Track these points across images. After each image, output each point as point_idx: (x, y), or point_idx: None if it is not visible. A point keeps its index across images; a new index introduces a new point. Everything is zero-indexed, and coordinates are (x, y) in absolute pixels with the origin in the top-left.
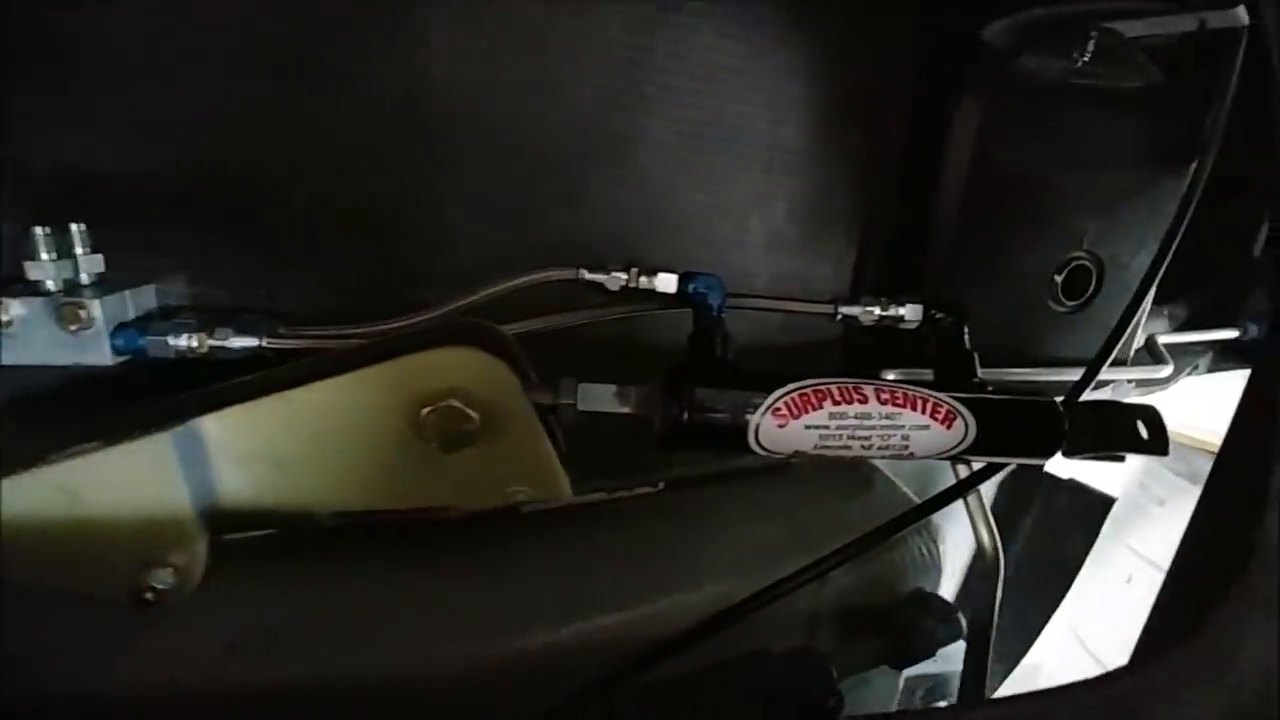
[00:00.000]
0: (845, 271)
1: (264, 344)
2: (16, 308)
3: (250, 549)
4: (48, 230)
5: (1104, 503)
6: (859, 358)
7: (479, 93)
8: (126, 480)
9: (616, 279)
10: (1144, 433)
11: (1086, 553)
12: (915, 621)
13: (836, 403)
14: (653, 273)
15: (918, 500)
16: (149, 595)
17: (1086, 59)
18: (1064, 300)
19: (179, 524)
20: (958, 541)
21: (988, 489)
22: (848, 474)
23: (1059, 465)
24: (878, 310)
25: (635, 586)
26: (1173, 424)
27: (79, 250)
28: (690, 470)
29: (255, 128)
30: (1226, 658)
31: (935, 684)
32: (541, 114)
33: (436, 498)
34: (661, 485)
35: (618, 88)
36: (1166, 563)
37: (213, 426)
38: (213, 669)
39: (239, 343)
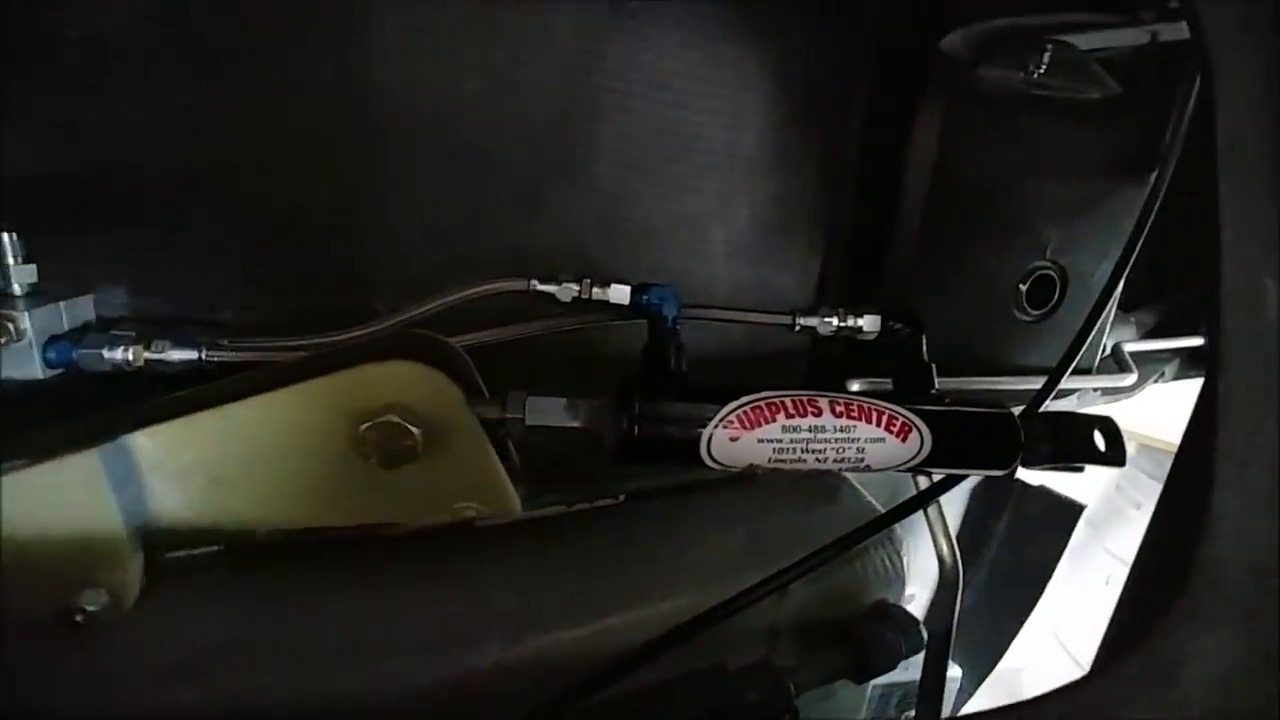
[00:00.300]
0: (809, 281)
1: (203, 357)
2: None
3: (191, 567)
4: None
5: (1074, 508)
6: (825, 367)
7: (427, 97)
8: (54, 498)
9: (568, 290)
10: (1101, 444)
11: (1058, 558)
12: (876, 634)
13: (790, 416)
14: (606, 284)
15: (884, 511)
16: (79, 617)
17: (1042, 70)
18: (1028, 309)
19: (111, 542)
20: (927, 552)
21: (958, 495)
22: (812, 485)
23: (1025, 472)
24: (836, 321)
25: (592, 600)
26: (1149, 429)
27: (10, 260)
28: (651, 482)
29: (196, 131)
30: (1171, 672)
31: (908, 691)
32: (494, 120)
33: (380, 514)
34: (622, 497)
35: (571, 93)
36: None
37: (145, 443)
38: (147, 691)
39: (177, 355)
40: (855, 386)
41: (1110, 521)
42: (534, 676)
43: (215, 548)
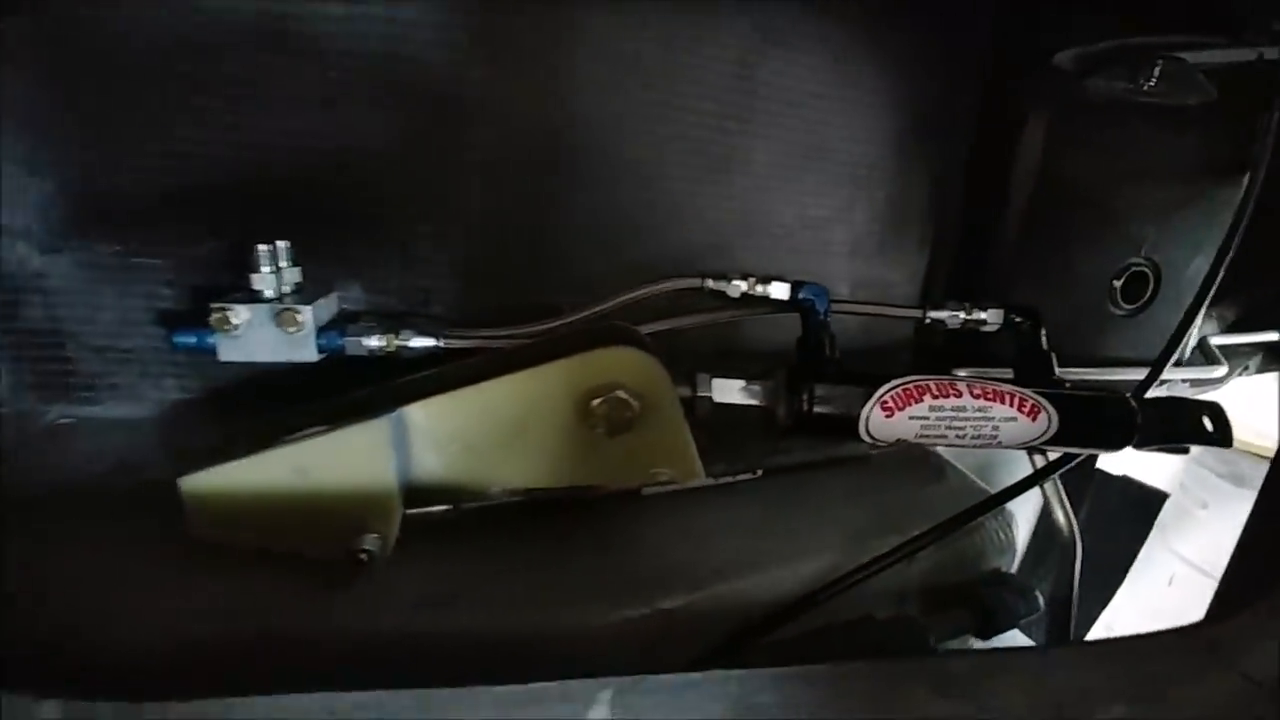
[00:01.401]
0: (918, 277)
1: (440, 344)
2: (243, 313)
3: (427, 522)
4: (268, 247)
5: (1156, 497)
6: (930, 357)
7: (609, 121)
8: (347, 459)
9: (737, 287)
10: (1209, 426)
11: (1138, 548)
12: (997, 596)
13: (935, 397)
14: (767, 281)
15: (987, 489)
16: (362, 556)
17: (1152, 84)
18: (1122, 304)
19: (385, 497)
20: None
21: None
22: (921, 465)
23: (1108, 461)
24: (962, 315)
25: (750, 557)
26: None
27: (283, 263)
28: (786, 459)
29: (418, 155)
30: None
31: None
32: (658, 137)
33: (593, 477)
34: (760, 472)
35: (724, 113)
36: (1209, 565)
37: (417, 414)
38: (406, 618)
39: (419, 342)
40: (962, 374)
41: (1176, 521)
42: (711, 619)
43: (445, 508)
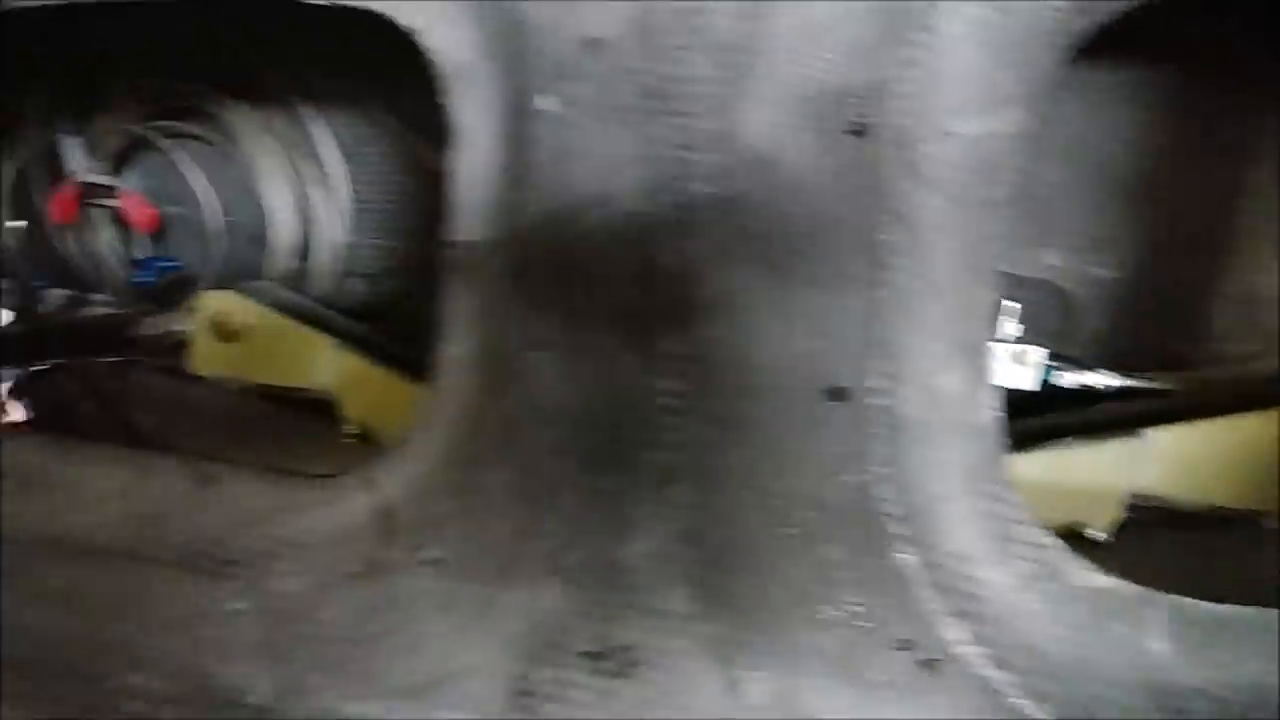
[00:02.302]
0: None
1: (1130, 384)
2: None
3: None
4: (1011, 304)
5: None
6: None
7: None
8: (1091, 465)
9: None
10: None
11: None
12: None
13: None
14: None
15: None
16: (1096, 538)
17: None
18: None
19: (1115, 495)
20: None
21: None
22: None
23: None
24: None
25: None
26: None
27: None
28: None
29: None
30: None
31: None
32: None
33: (1267, 504)
34: None
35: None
36: None
37: (1156, 436)
38: None
39: (1104, 380)
40: None
41: None
42: None
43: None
